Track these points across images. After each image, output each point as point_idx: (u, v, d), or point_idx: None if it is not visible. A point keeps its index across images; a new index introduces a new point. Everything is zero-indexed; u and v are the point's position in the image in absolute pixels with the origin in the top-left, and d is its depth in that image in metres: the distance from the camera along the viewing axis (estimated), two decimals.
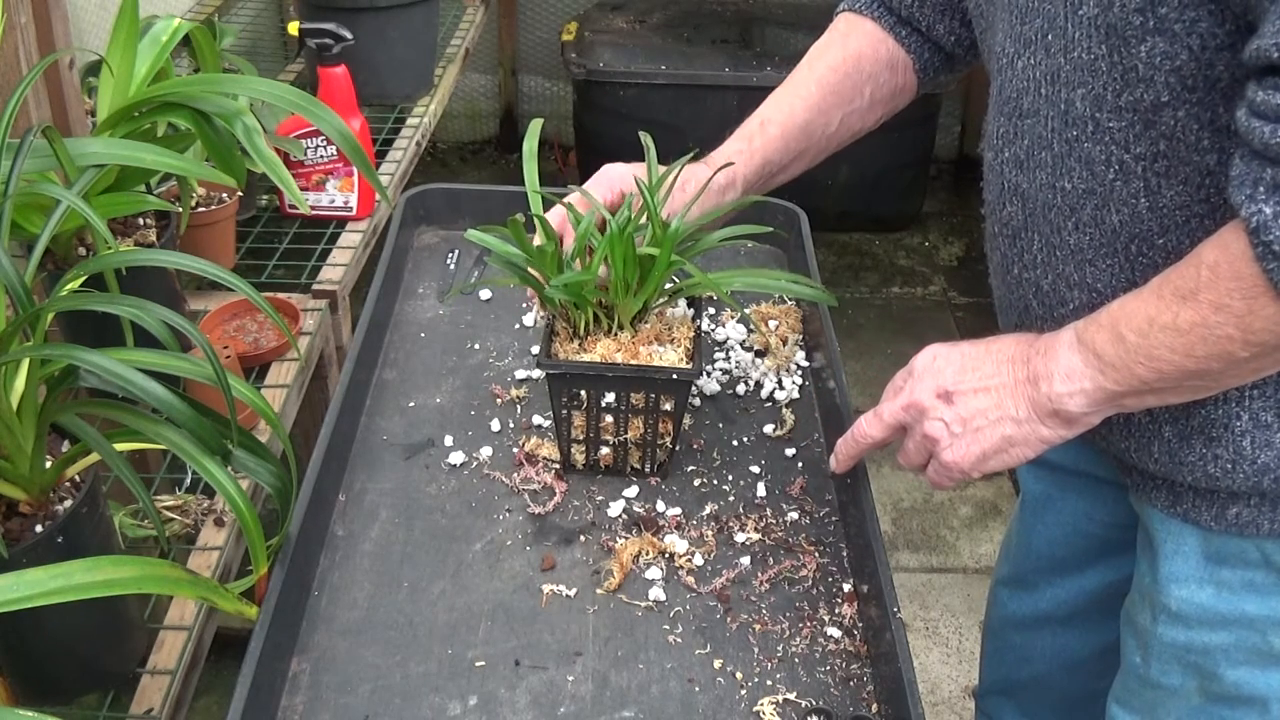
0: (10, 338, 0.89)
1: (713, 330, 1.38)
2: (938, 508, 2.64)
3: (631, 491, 1.15)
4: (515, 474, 1.17)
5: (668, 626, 1.02)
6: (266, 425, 1.27)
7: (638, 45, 3.12)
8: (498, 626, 1.01)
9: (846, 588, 1.06)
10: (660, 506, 1.14)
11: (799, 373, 1.32)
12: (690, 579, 1.06)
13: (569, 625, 1.02)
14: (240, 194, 1.72)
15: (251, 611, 0.92)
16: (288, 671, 0.97)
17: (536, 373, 1.29)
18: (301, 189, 1.89)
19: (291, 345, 1.56)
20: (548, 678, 0.97)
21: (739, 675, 0.98)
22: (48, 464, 0.98)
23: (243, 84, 1.21)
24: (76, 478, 1.02)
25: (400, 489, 1.15)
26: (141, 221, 1.39)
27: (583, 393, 1.12)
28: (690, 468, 1.19)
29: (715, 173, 1.17)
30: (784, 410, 1.26)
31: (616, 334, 1.14)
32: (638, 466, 1.17)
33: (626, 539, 1.09)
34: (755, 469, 1.19)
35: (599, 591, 1.05)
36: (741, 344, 1.36)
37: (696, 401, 1.27)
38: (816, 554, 1.09)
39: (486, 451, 1.19)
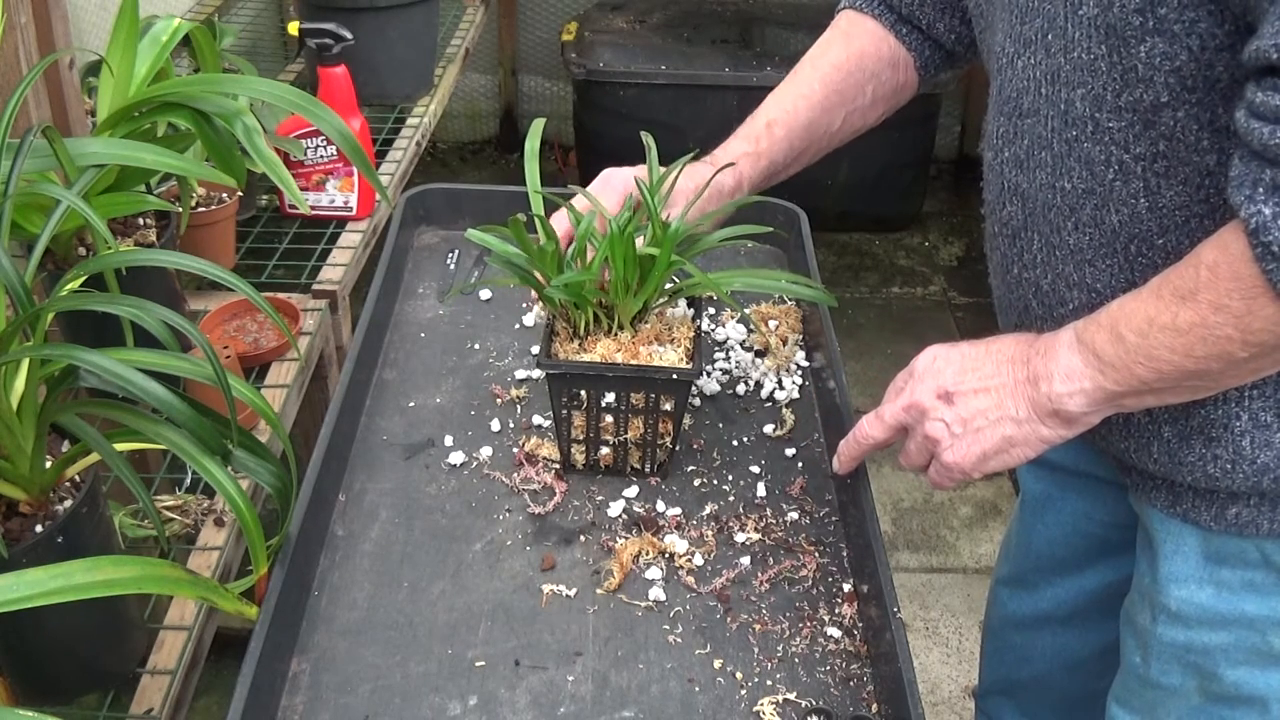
0: (10, 338, 0.89)
1: (713, 330, 1.38)
2: (938, 508, 2.64)
3: (631, 491, 1.15)
4: (515, 474, 1.17)
5: (668, 626, 1.02)
6: (266, 425, 1.27)
7: (638, 45, 3.12)
8: (498, 626, 1.01)
9: (846, 588, 1.06)
10: (660, 506, 1.14)
11: (799, 373, 1.32)
12: (690, 579, 1.06)
13: (569, 625, 1.02)
14: (240, 194, 1.72)
15: (251, 611, 0.91)
16: (288, 671, 0.97)
17: (536, 373, 1.29)
18: (301, 189, 1.89)
19: (291, 345, 1.56)
20: (548, 678, 0.97)
21: (739, 675, 0.98)
22: (48, 464, 0.98)
23: (243, 84, 1.21)
24: (76, 478, 1.02)
25: (400, 489, 1.15)
26: (141, 221, 1.39)
27: (583, 393, 1.12)
28: (690, 468, 1.19)
29: (716, 173, 1.17)
30: (784, 410, 1.26)
31: (616, 334, 1.14)
32: (638, 466, 1.17)
33: (626, 539, 1.09)
34: (755, 469, 1.19)
35: (599, 591, 1.05)
36: (741, 344, 1.36)
37: (696, 401, 1.27)
38: (816, 554, 1.09)
39: (486, 451, 1.19)
